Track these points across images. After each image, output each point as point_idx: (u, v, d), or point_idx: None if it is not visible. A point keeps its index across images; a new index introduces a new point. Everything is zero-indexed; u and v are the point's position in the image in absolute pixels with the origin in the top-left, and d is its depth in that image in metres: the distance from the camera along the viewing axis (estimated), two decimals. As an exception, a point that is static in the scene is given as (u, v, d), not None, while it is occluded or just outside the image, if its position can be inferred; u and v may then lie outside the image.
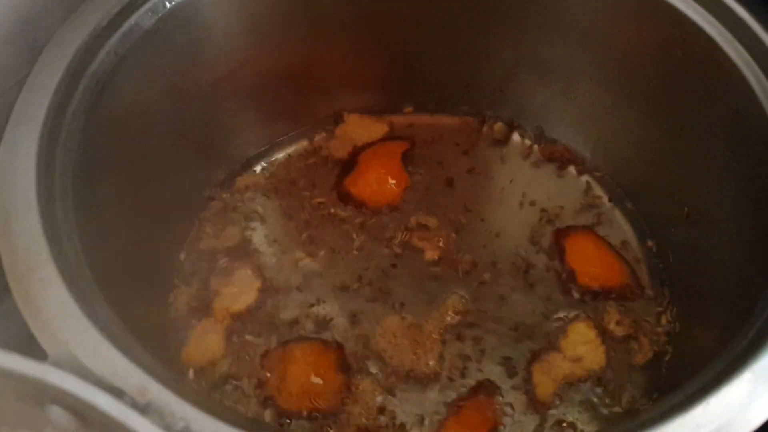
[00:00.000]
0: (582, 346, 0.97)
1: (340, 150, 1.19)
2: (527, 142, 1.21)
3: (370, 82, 1.21)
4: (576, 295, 1.02)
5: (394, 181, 1.14)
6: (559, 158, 1.18)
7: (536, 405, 0.94)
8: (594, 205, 1.13)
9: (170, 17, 0.94)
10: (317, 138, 1.21)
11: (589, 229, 1.09)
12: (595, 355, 0.96)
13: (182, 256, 1.07)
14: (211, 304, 1.01)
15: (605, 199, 1.14)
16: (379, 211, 1.11)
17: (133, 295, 0.85)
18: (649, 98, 1.05)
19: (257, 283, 1.03)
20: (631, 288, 1.03)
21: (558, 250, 1.06)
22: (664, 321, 1.02)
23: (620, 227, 1.12)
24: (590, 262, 1.05)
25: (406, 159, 1.16)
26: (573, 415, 0.94)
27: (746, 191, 0.90)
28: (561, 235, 1.08)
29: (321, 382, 0.95)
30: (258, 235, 1.09)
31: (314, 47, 1.12)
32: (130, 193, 0.93)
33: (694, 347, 0.95)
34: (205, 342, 0.98)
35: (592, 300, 1.02)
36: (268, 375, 0.96)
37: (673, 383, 0.93)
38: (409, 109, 1.24)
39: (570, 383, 0.95)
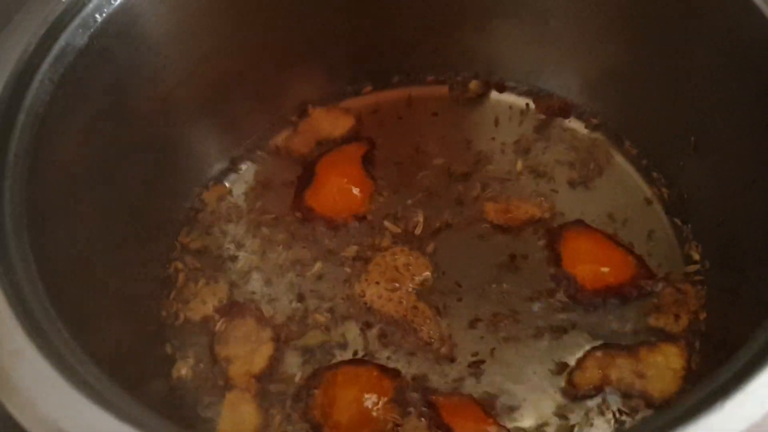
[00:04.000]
0: (661, 368, 0.86)
1: (303, 146, 1.09)
2: (514, 98, 1.12)
3: (326, 67, 1.12)
4: (579, 301, 0.93)
5: (357, 189, 1.03)
6: (555, 110, 1.09)
7: (568, 384, 0.88)
8: (595, 155, 1.06)
9: (104, 31, 0.85)
10: (280, 138, 1.11)
11: (581, 224, 0.98)
12: (665, 383, 0.85)
13: (168, 319, 0.95)
14: (227, 373, 0.90)
15: (606, 144, 1.07)
16: (346, 223, 1.01)
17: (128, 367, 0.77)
18: (632, 26, 0.97)
19: (267, 332, 0.92)
20: (639, 278, 0.92)
21: (554, 257, 0.96)
22: (692, 265, 0.95)
23: (625, 172, 1.05)
24: (589, 262, 0.94)
25: (368, 161, 1.06)
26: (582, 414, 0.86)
27: (754, 110, 0.83)
28: (554, 238, 0.98)
29: (375, 413, 0.85)
30: (245, 278, 0.98)
31: (266, 39, 1.03)
32: (92, 240, 0.84)
33: (727, 295, 0.89)
34: (240, 417, 0.87)
35: (603, 303, 0.92)
36: (315, 406, 0.87)
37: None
38: (367, 88, 1.15)
39: (615, 388, 0.86)
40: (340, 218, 1.01)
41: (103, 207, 0.87)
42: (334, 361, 0.91)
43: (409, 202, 1.02)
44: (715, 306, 0.91)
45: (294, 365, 0.91)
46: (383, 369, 0.89)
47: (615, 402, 0.86)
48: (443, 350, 0.90)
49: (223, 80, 1.03)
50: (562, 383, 0.88)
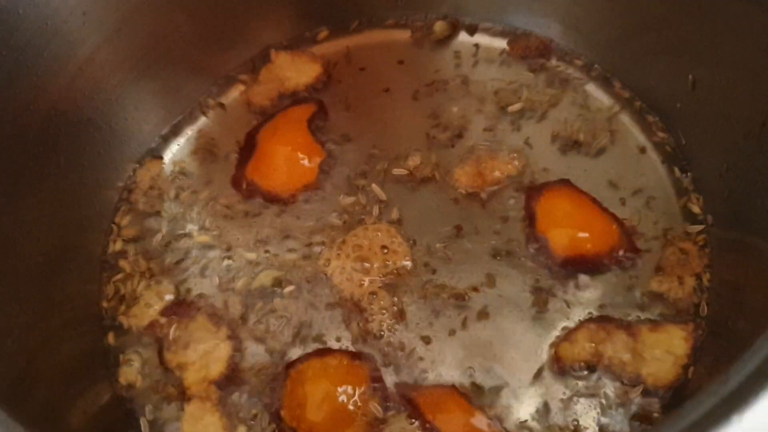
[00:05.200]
0: (661, 352, 0.75)
1: (263, 97, 0.97)
2: (486, 40, 1.00)
3: (277, 13, 1.00)
4: (553, 267, 0.83)
5: (304, 157, 0.91)
6: (534, 51, 0.97)
7: (554, 358, 0.78)
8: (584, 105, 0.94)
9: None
10: (230, 94, 0.99)
11: (565, 184, 0.87)
12: (663, 370, 0.75)
13: (109, 311, 0.85)
14: (183, 382, 0.79)
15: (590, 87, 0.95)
16: (294, 198, 0.89)
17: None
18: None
19: (222, 330, 0.81)
20: (620, 250, 0.82)
21: (528, 215, 0.86)
22: (695, 225, 0.85)
23: (615, 116, 0.93)
24: (565, 226, 0.83)
25: (316, 125, 0.93)
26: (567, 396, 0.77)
27: (761, 32, 0.72)
28: (532, 196, 0.86)
29: (352, 406, 0.75)
30: (190, 270, 0.87)
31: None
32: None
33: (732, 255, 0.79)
34: (204, 431, 0.77)
35: (573, 271, 0.82)
36: (284, 408, 0.77)
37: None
38: (324, 33, 1.02)
39: (605, 367, 0.76)
40: (288, 192, 0.90)
41: (20, 194, 0.77)
42: (304, 351, 0.81)
43: (366, 173, 0.91)
44: (720, 267, 0.81)
45: (258, 363, 0.81)
46: (354, 355, 0.79)
47: (605, 386, 0.77)
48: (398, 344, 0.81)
49: (157, 35, 0.91)
50: (547, 358, 0.79)
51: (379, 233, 0.86)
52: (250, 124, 0.96)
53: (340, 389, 0.76)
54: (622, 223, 0.84)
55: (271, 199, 0.89)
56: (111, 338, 0.84)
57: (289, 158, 0.90)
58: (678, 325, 0.77)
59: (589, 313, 0.81)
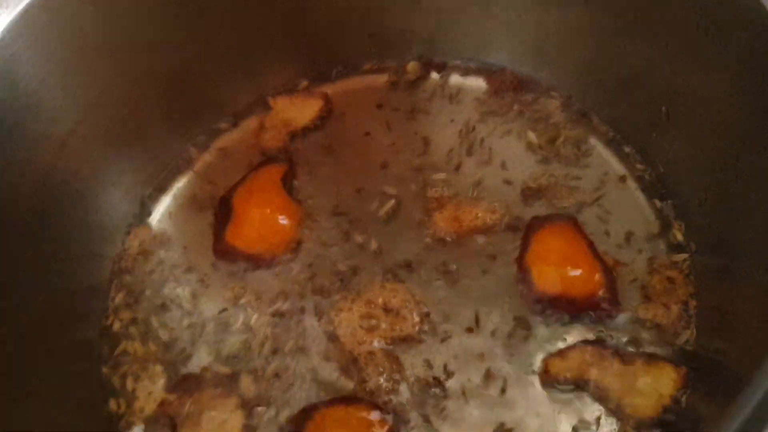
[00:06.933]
0: (648, 385, 0.76)
1: (276, 141, 0.98)
2: (461, 77, 1.02)
3: (260, 68, 1.01)
4: (531, 301, 0.84)
5: (283, 216, 0.91)
6: (509, 87, 0.99)
7: (544, 372, 0.80)
8: (558, 134, 0.96)
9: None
10: (214, 145, 1.00)
11: (571, 222, 0.88)
12: (645, 404, 0.76)
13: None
14: None
15: (568, 121, 0.97)
16: (278, 258, 0.89)
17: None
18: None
19: (232, 399, 0.81)
20: (601, 299, 0.82)
21: (522, 244, 0.87)
22: (680, 254, 0.86)
23: (593, 148, 0.95)
24: (553, 263, 0.84)
25: (290, 182, 0.94)
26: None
27: (732, 74, 0.74)
28: (534, 226, 0.88)
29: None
30: (189, 343, 0.86)
31: (182, 51, 0.93)
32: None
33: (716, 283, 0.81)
34: None
35: (552, 309, 0.83)
36: None
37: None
38: (304, 83, 1.04)
39: (590, 387, 0.78)
40: (271, 252, 0.89)
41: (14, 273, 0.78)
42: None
43: (351, 222, 0.92)
44: (706, 294, 0.83)
45: (271, 425, 0.81)
46: (374, 407, 0.78)
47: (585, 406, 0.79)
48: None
49: (135, 103, 0.92)
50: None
51: (396, 293, 0.86)
52: (232, 177, 0.96)
53: None
54: (609, 275, 0.84)
55: (255, 261, 0.89)
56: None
57: (267, 219, 0.90)
58: (673, 365, 0.78)
59: (584, 338, 0.81)
